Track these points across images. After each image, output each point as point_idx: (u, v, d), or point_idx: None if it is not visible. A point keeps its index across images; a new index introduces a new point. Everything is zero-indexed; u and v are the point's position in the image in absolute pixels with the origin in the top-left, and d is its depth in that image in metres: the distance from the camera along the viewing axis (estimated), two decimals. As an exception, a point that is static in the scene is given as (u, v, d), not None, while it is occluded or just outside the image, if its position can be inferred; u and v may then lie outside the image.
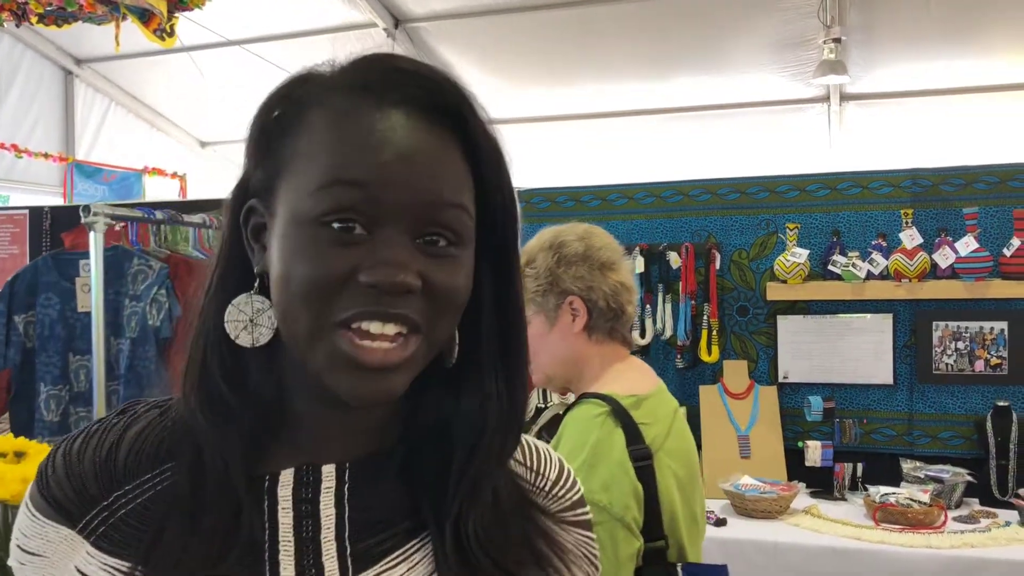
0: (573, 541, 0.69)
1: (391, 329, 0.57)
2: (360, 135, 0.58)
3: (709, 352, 3.26)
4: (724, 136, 6.29)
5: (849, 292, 3.06)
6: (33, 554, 0.62)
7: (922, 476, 2.91)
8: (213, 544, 0.58)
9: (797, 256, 3.08)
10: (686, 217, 3.35)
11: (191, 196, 7.89)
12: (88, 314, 1.92)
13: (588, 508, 0.72)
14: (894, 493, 2.78)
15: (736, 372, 3.24)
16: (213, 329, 0.63)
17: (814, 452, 3.05)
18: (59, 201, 7.34)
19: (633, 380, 1.44)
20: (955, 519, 2.71)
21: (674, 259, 3.29)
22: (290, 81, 0.64)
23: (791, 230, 3.12)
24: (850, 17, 5.08)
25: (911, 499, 2.72)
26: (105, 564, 0.60)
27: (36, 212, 4.18)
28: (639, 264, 3.32)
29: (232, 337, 0.61)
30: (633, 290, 1.53)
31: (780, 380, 3.21)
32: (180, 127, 8.84)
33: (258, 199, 0.63)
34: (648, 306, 3.32)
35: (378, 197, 0.57)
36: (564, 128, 6.61)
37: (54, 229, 4.08)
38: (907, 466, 2.98)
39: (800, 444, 3.09)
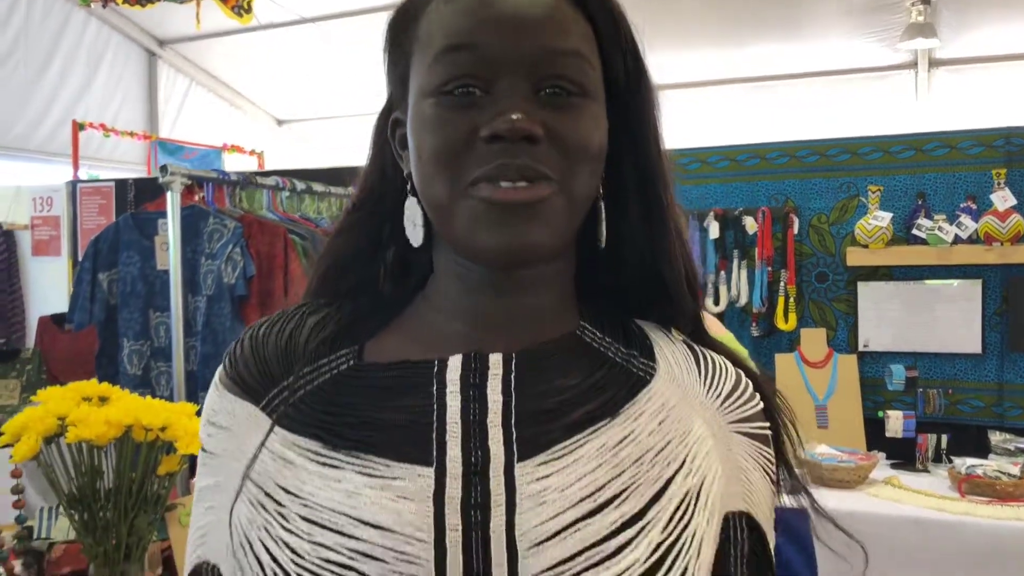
0: (750, 452, 0.66)
1: (521, 182, 0.57)
2: (466, 5, 0.59)
3: (786, 320, 3.18)
4: (803, 106, 6.09)
5: (935, 257, 2.93)
6: (220, 427, 0.66)
7: (1012, 448, 2.78)
8: (384, 424, 0.60)
9: (879, 220, 2.97)
10: (763, 181, 3.26)
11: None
12: (167, 272, 1.98)
13: (768, 424, 0.68)
14: (981, 465, 2.66)
15: (814, 340, 3.15)
16: (368, 232, 0.68)
17: (895, 422, 2.94)
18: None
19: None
20: (1047, 492, 2.58)
21: (750, 224, 3.21)
22: None
23: (873, 193, 3.00)
24: (939, -24, 4.86)
25: (1000, 471, 2.61)
26: (290, 441, 0.61)
27: (121, 184, 4.34)
28: (714, 230, 3.25)
29: (412, 240, 0.65)
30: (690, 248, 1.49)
31: (860, 349, 3.11)
32: (257, 106, 9.04)
33: (399, 109, 0.66)
34: (723, 272, 3.25)
35: (490, 56, 0.58)
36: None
37: (138, 200, 4.23)
38: (996, 438, 2.85)
39: (880, 414, 2.99)
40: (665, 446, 0.61)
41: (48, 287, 4.48)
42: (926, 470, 2.87)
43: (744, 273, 3.22)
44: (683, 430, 0.63)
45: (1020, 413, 2.94)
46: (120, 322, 2.09)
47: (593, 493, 0.57)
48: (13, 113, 7.38)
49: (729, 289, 3.25)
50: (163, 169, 1.90)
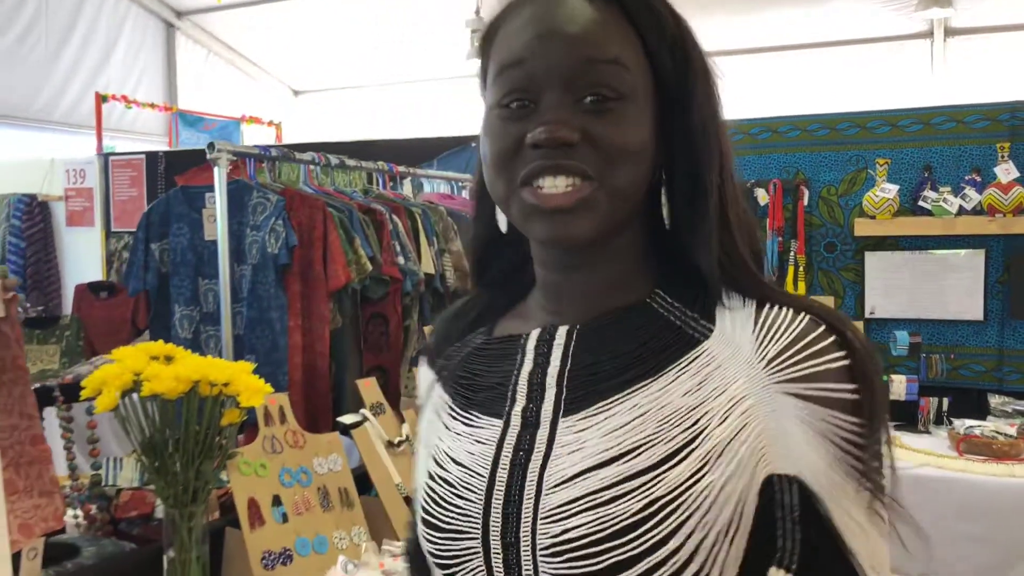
0: (800, 414, 0.63)
1: (562, 182, 0.65)
2: (522, 24, 0.68)
3: (795, 288, 3.30)
4: (816, 76, 6.13)
5: (940, 227, 3.05)
6: (421, 388, 0.86)
7: (1010, 411, 2.92)
8: (485, 385, 0.75)
9: (886, 192, 3.08)
10: (775, 154, 3.36)
11: (286, 143, 8.17)
12: (214, 242, 2.11)
13: (839, 386, 0.63)
14: (979, 426, 2.80)
15: (822, 308, 3.27)
16: (485, 222, 0.79)
17: (899, 386, 3.07)
18: (165, 149, 7.72)
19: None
20: (1042, 452, 2.72)
21: (761, 196, 3.32)
22: (491, 17, 0.75)
23: (881, 166, 3.11)
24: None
25: (996, 432, 2.74)
26: (439, 397, 0.80)
27: (152, 157, 4.48)
28: (725, 201, 3.36)
29: (501, 228, 0.76)
30: None
31: (867, 315, 3.24)
32: (274, 76, 9.09)
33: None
34: (734, 243, 3.37)
35: (536, 71, 0.66)
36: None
37: (168, 172, 4.37)
38: (995, 401, 2.99)
39: (885, 378, 3.12)
40: (698, 405, 0.64)
41: (82, 256, 4.63)
42: (927, 431, 3.01)
43: (755, 243, 3.34)
44: (722, 390, 0.65)
45: (1019, 377, 3.07)
46: (171, 289, 2.24)
47: (614, 447, 0.64)
48: (36, 85, 7.49)
49: (741, 258, 3.37)
50: (210, 146, 2.03)
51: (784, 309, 0.66)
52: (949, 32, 5.75)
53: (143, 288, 2.21)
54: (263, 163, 2.33)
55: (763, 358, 0.64)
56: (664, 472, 0.62)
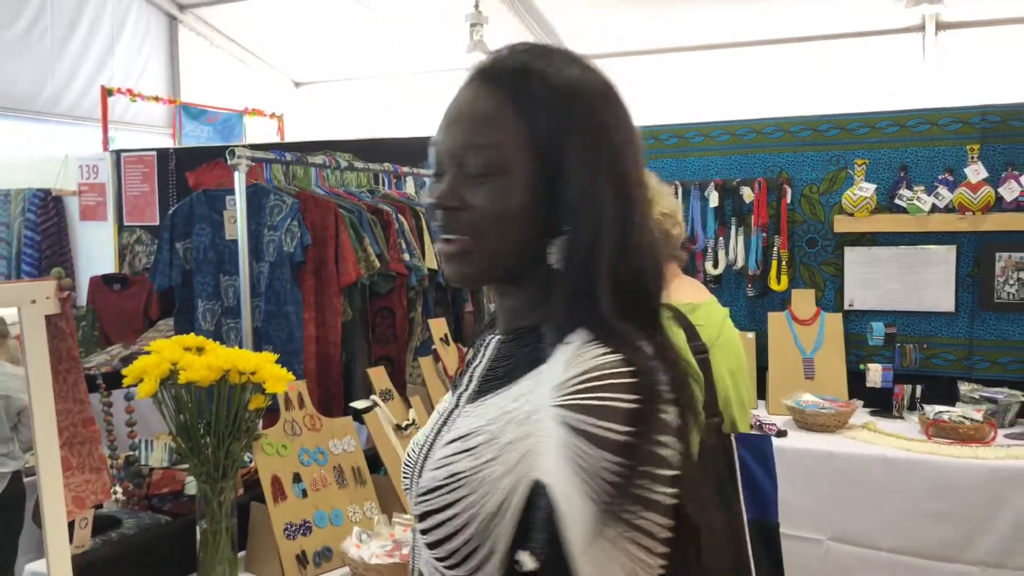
0: (561, 438, 0.73)
1: (450, 236, 0.85)
2: (443, 113, 0.88)
3: (779, 281, 3.48)
4: (806, 70, 6.25)
5: (914, 224, 3.22)
6: None
7: (977, 397, 3.10)
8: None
9: (864, 191, 3.26)
10: (759, 154, 3.54)
11: (288, 135, 8.28)
12: (234, 241, 2.28)
13: (608, 424, 0.70)
14: (948, 411, 2.98)
15: (804, 300, 3.46)
16: None
17: (875, 374, 3.26)
18: (169, 142, 7.84)
19: (688, 293, 1.72)
20: (1005, 435, 2.91)
21: (747, 194, 3.50)
22: None
23: (859, 166, 3.28)
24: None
25: (964, 416, 2.93)
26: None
27: (163, 154, 4.64)
28: (714, 199, 3.54)
29: None
30: (674, 214, 1.78)
31: (846, 307, 3.42)
32: (275, 68, 9.20)
33: None
34: (721, 238, 3.55)
35: (440, 152, 0.86)
36: (640, 63, 6.71)
37: (178, 169, 4.53)
38: (964, 388, 3.17)
39: (862, 367, 3.31)
40: (504, 414, 0.79)
41: (95, 249, 4.79)
42: (901, 417, 3.20)
43: (741, 239, 3.52)
44: (525, 404, 0.78)
45: (988, 366, 3.26)
46: (195, 285, 2.42)
47: (462, 430, 0.82)
48: (41, 78, 7.62)
49: (727, 253, 3.55)
50: (231, 152, 2.20)
51: (600, 347, 0.75)
52: (940, 26, 5.88)
53: (168, 284, 2.39)
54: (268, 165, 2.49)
55: (555, 381, 0.75)
56: (470, 454, 0.79)
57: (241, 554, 1.87)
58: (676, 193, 3.57)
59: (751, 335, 3.46)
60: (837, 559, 2.82)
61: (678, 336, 1.57)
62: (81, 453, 1.60)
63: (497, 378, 0.85)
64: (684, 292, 1.72)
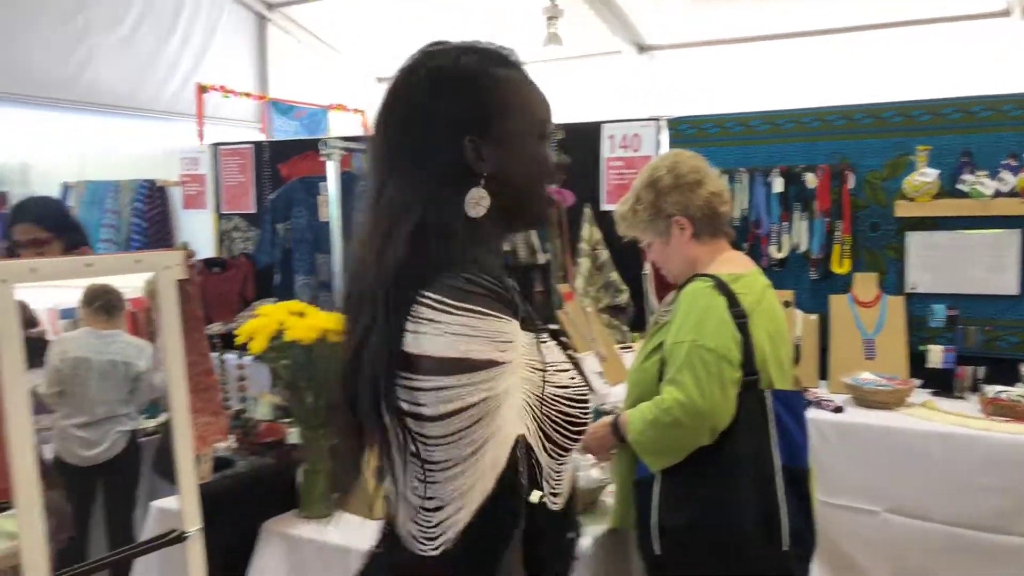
0: None
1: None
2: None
3: (841, 265, 3.58)
4: (888, 58, 6.21)
5: (976, 209, 3.29)
6: (512, 343, 1.04)
7: (1039, 378, 3.15)
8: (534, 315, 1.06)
9: (926, 176, 3.33)
10: (823, 141, 3.64)
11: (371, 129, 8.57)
12: (328, 223, 2.55)
13: None
14: (1007, 391, 3.05)
15: (866, 283, 3.55)
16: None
17: (936, 355, 3.34)
18: (259, 135, 8.24)
19: (733, 265, 1.89)
20: (1065, 415, 2.96)
21: (810, 179, 3.60)
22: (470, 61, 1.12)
23: (921, 152, 3.36)
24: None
25: (1022, 396, 2.99)
26: (530, 336, 1.01)
27: (258, 146, 4.97)
28: (778, 185, 3.66)
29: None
30: (721, 193, 1.95)
31: (908, 291, 3.50)
32: (358, 63, 9.53)
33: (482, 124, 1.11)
34: (785, 223, 3.66)
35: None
36: (709, 54, 6.78)
37: (272, 160, 4.86)
38: (1025, 369, 3.22)
39: (922, 348, 3.39)
40: None
41: (197, 235, 5.17)
42: (962, 397, 3.27)
43: (804, 223, 3.63)
44: None
45: (1051, 348, 3.30)
46: (294, 262, 2.69)
47: None
48: (142, 77, 8.13)
49: (791, 238, 3.67)
50: (324, 143, 2.45)
51: None
52: (997, 14, 5.79)
53: (271, 261, 2.67)
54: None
55: None
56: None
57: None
58: (741, 179, 3.70)
59: (814, 317, 3.57)
60: (893, 530, 2.93)
61: (719, 302, 1.75)
62: (203, 399, 1.87)
63: None
64: (729, 264, 1.90)
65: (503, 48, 1.10)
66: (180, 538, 1.67)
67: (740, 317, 1.74)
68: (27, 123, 8.74)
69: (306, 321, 1.96)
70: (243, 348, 2.01)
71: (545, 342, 1.03)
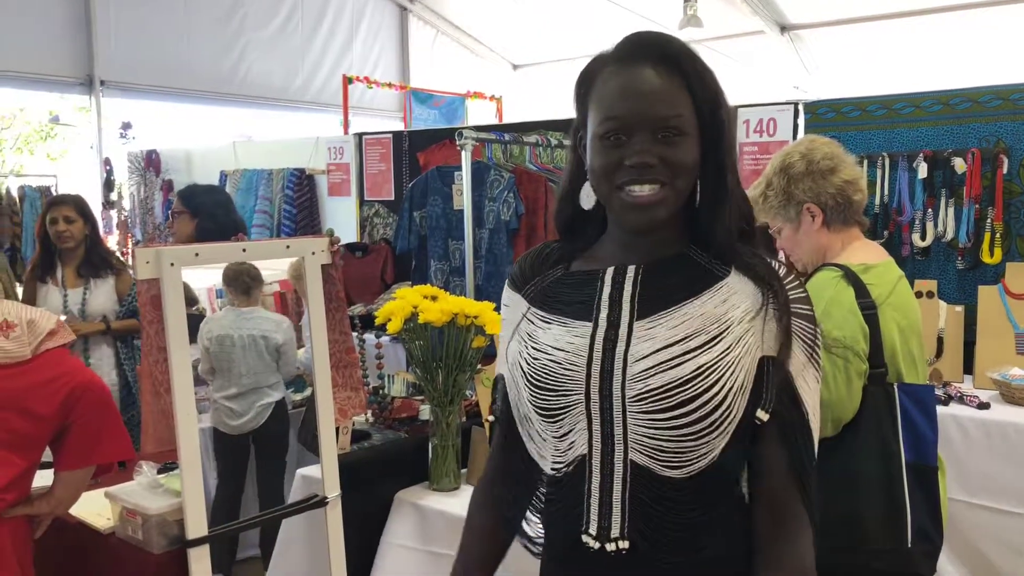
0: (783, 322, 1.06)
1: (647, 188, 1.05)
2: (618, 87, 1.07)
3: (991, 254, 3.39)
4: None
5: None
6: (507, 306, 1.23)
7: None
8: (573, 301, 1.12)
9: (1090, 160, 3.11)
10: (974, 123, 3.45)
11: (506, 116, 8.70)
12: (461, 211, 2.66)
13: (806, 307, 1.08)
14: None
15: (1019, 273, 3.34)
16: (570, 200, 1.19)
17: (1097, 350, 3.12)
18: (399, 125, 8.52)
19: (864, 254, 1.84)
20: None
21: (959, 165, 3.43)
22: (587, 64, 1.15)
23: (1085, 134, 3.13)
24: None
25: None
26: (533, 312, 1.16)
27: (398, 136, 5.18)
28: (922, 170, 3.50)
29: (583, 206, 1.18)
30: (856, 181, 1.88)
31: (1067, 282, 3.27)
32: (495, 52, 9.70)
33: (582, 128, 1.14)
34: (930, 210, 3.50)
35: (629, 123, 1.05)
36: (852, 32, 6.49)
37: (411, 149, 5.05)
38: None
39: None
40: (724, 314, 1.05)
41: (341, 221, 5.44)
42: (1125, 394, 3.04)
43: (951, 211, 3.46)
44: (738, 306, 1.05)
45: None
46: (428, 248, 2.83)
47: (672, 336, 1.03)
48: (292, 70, 8.59)
49: (936, 225, 3.50)
50: (459, 134, 2.56)
51: (772, 263, 1.10)
52: None
53: (408, 247, 2.81)
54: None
55: (764, 289, 1.06)
56: (706, 350, 1.03)
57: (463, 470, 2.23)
58: (883, 165, 3.56)
59: (960, 308, 3.40)
60: (1041, 535, 2.78)
61: (846, 293, 1.73)
62: (344, 375, 2.01)
63: (670, 294, 1.07)
64: (860, 254, 1.85)
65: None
66: (321, 502, 1.82)
67: (868, 308, 1.70)
68: (189, 116, 9.45)
69: (438, 304, 2.07)
70: (382, 328, 2.15)
71: (547, 322, 1.13)
